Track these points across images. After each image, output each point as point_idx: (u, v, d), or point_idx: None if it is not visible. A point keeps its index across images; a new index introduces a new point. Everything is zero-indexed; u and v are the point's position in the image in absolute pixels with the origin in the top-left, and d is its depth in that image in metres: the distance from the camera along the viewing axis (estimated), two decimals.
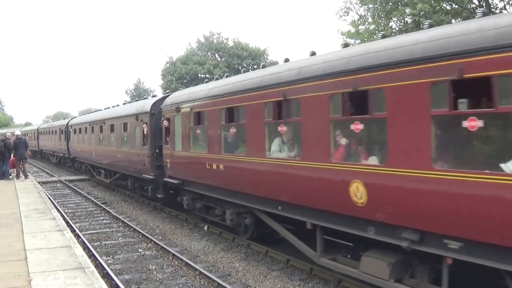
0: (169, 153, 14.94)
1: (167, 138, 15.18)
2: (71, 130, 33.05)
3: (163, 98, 16.92)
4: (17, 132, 25.62)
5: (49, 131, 43.20)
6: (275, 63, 14.01)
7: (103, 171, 24.99)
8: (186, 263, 10.37)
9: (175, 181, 14.52)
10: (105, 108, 28.12)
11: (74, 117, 37.16)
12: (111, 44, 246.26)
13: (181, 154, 14.07)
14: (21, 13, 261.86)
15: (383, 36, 8.23)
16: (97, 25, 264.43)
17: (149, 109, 17.09)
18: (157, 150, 16.29)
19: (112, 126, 22.19)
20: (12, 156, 22.01)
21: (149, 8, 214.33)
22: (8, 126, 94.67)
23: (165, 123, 15.16)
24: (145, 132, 17.11)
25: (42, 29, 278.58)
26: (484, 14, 6.35)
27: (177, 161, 14.44)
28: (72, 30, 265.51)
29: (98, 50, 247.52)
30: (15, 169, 22.97)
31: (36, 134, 51.57)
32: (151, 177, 16.69)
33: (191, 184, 13.82)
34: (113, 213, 17.08)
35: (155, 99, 18.02)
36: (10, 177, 22.37)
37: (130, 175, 19.99)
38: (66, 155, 35.05)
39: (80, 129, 30.05)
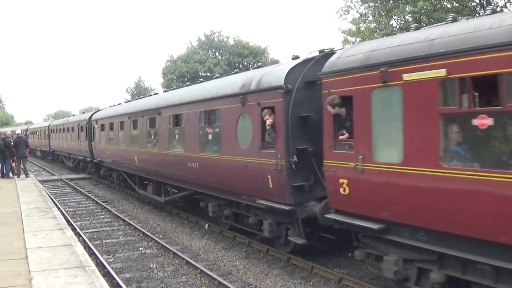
0: (351, 167, 7.64)
1: (341, 136, 8.15)
2: (95, 126, 25.05)
3: (314, 59, 9.54)
4: (18, 130, 25.67)
5: (63, 129, 35.11)
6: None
7: (151, 184, 17.63)
8: (187, 262, 10.37)
9: (374, 225, 7.36)
10: (141, 95, 21.59)
11: (100, 109, 28.21)
12: (112, 42, 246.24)
13: (407, 171, 6.75)
14: (21, 12, 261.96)
15: None
16: (98, 23, 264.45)
17: (281, 82, 9.30)
18: (295, 158, 9.13)
19: (177, 118, 14.57)
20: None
21: (150, 7, 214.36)
22: (8, 124, 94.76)
23: (335, 108, 8.03)
24: (268, 126, 9.68)
25: (42, 27, 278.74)
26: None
27: (380, 184, 7.22)
28: (73, 29, 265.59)
29: (99, 49, 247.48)
30: (14, 164, 22.91)
31: (46, 132, 43.02)
32: (285, 207, 9.34)
33: (431, 237, 6.66)
34: (114, 211, 17.07)
35: (293, 63, 9.86)
36: (10, 175, 22.37)
37: (217, 196, 12.35)
38: (88, 159, 27.45)
39: (111, 124, 22.19)
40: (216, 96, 12.04)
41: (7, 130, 41.04)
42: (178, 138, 14.67)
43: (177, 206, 16.74)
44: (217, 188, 12.23)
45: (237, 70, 15.38)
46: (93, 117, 26.54)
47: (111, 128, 22.08)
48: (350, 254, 9.83)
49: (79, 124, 29.48)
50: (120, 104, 25.15)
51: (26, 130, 56.10)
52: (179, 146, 14.47)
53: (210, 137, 12.47)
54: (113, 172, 23.37)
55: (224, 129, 11.58)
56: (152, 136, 16.73)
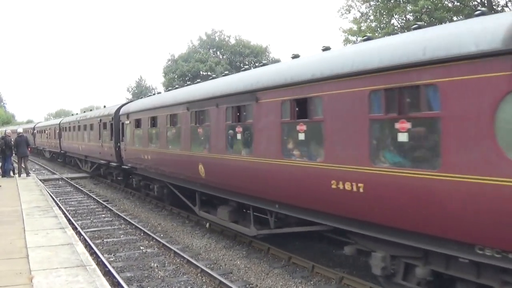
0: None
1: None
2: (126, 122, 19.83)
3: None
4: (19, 129, 25.57)
5: (79, 126, 29.78)
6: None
7: (227, 206, 12.06)
8: (188, 261, 10.37)
9: None
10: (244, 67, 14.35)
11: (130, 101, 22.69)
12: (113, 41, 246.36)
13: None
14: (23, 11, 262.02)
15: None
16: (99, 22, 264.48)
17: None
18: None
19: (302, 105, 8.75)
20: (13, 153, 22.01)
21: (151, 6, 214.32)
22: (9, 123, 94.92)
23: None
24: None
25: (43, 27, 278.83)
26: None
27: None
28: (74, 28, 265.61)
29: (100, 48, 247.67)
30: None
31: (57, 131, 37.38)
32: None
33: None
34: (115, 210, 17.08)
35: None
36: (11, 174, 22.35)
37: (398, 243, 7.11)
38: (113, 164, 22.00)
39: (152, 119, 16.46)
40: (422, 61, 6.34)
41: (7, 129, 40.78)
42: (305, 140, 8.71)
43: (177, 205, 16.65)
44: (403, 230, 6.83)
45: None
46: (122, 111, 20.89)
47: (153, 125, 16.44)
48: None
49: (100, 121, 24.01)
50: (160, 92, 20.22)
51: (33, 128, 52.54)
52: (307, 153, 8.71)
53: (404, 137, 6.75)
54: (153, 183, 17.62)
55: (454, 124, 6.02)
56: (239, 136, 10.85)
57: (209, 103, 12.03)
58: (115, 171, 22.92)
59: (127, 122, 19.62)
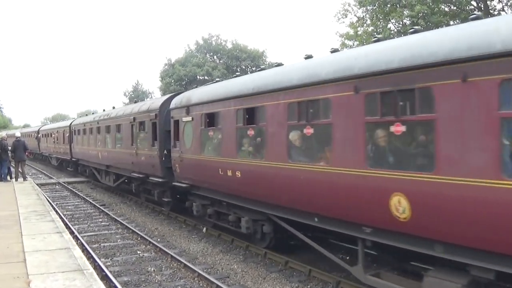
0: None
1: None
2: (185, 119, 13.68)
3: None
4: (17, 133, 25.53)
5: (98, 128, 23.98)
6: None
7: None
8: (185, 265, 10.38)
9: None
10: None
11: (181, 91, 17.70)
12: (110, 46, 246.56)
13: None
14: (20, 16, 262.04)
15: None
16: (96, 27, 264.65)
17: None
18: None
19: None
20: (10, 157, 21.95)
21: (148, 10, 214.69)
22: (6, 128, 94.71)
23: None
24: None
25: (40, 31, 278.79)
26: None
27: None
28: (71, 33, 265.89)
29: (97, 52, 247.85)
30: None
31: (67, 135, 31.73)
32: None
33: None
34: (112, 215, 17.07)
35: None
36: (8, 178, 22.30)
37: None
38: (155, 179, 16.17)
39: (245, 112, 10.61)
40: None
41: (3, 133, 40.43)
42: None
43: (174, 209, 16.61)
44: None
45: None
46: (174, 103, 14.77)
47: (250, 121, 10.48)
48: (348, 258, 9.86)
49: (134, 119, 18.08)
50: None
51: (38, 132, 46.41)
52: None
53: None
54: (234, 213, 11.93)
55: None
56: None
57: (429, 75, 6.16)
58: (157, 188, 16.88)
59: (187, 119, 13.54)
